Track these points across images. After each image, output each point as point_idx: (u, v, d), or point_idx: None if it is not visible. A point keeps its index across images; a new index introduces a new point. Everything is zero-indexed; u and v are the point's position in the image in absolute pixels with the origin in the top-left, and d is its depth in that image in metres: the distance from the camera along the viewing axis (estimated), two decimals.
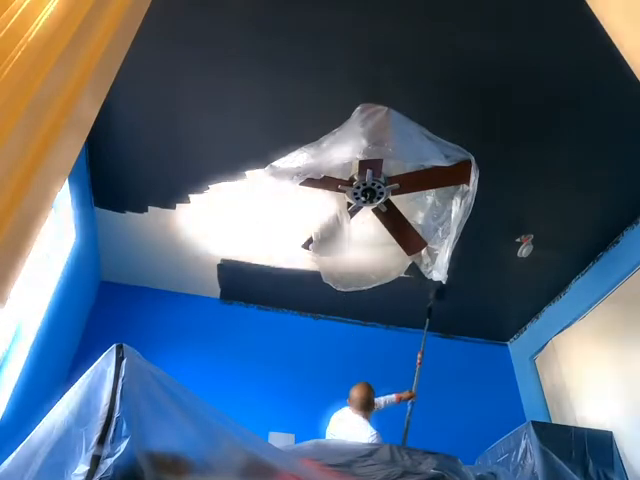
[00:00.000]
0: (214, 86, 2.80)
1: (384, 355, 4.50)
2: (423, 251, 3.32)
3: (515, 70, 2.67)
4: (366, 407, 3.10)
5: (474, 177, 2.69)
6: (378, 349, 4.59)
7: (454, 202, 2.99)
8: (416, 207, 3.25)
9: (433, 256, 3.25)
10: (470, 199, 2.87)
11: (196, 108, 2.93)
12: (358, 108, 2.68)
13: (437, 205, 3.11)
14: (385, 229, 3.25)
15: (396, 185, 2.94)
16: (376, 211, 3.11)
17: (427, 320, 3.92)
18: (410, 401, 3.48)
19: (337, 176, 2.94)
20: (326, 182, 2.88)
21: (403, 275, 3.67)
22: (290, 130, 2.94)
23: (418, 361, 3.72)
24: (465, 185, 2.86)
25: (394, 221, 3.18)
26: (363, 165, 2.83)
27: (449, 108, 2.86)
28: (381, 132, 2.64)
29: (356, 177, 2.92)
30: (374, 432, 2.88)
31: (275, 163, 2.81)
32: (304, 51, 2.62)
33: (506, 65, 2.65)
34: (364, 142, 2.63)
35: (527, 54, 2.58)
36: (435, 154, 2.63)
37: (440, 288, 3.71)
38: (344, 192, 2.98)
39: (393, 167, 2.96)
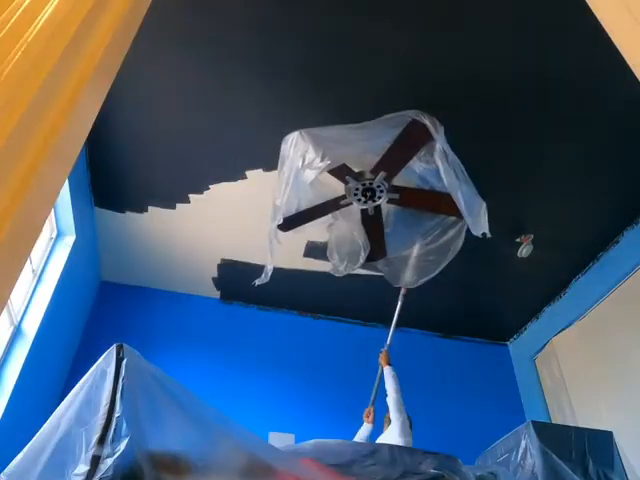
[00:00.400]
0: (214, 86, 2.80)
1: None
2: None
3: (515, 70, 2.67)
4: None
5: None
6: (378, 349, 4.58)
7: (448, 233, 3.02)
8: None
9: (394, 268, 3.28)
10: (460, 243, 2.95)
11: (196, 108, 2.93)
12: (410, 112, 2.59)
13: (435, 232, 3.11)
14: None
15: (397, 195, 2.92)
16: (364, 212, 3.09)
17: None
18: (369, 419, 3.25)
19: (350, 165, 2.87)
20: (339, 167, 2.80)
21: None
22: (291, 130, 2.94)
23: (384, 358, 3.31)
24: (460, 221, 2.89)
25: (372, 224, 3.14)
26: (380, 165, 2.79)
27: (448, 108, 2.86)
28: (422, 147, 2.64)
29: (365, 173, 2.89)
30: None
31: (309, 130, 2.72)
32: (304, 51, 2.62)
33: (506, 65, 2.65)
34: (397, 144, 2.61)
35: (527, 54, 2.58)
36: (455, 190, 2.62)
37: None
38: (347, 183, 2.94)
39: (400, 177, 2.93)
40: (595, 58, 2.53)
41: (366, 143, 2.67)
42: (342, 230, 3.26)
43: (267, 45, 2.59)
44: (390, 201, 2.99)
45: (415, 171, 2.84)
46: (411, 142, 2.67)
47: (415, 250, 3.15)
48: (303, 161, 2.64)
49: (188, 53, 2.64)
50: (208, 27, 2.52)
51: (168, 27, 2.52)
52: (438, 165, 2.62)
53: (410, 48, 2.58)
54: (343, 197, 3.01)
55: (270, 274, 2.99)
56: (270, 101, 2.87)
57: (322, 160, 2.60)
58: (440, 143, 2.59)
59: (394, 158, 2.75)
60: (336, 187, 3.01)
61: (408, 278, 3.24)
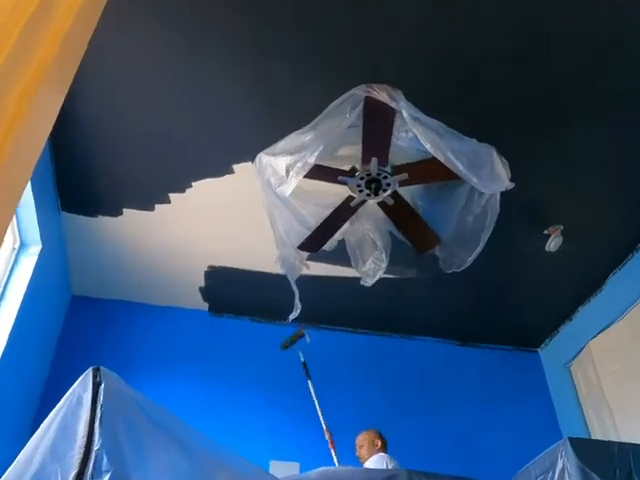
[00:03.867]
0: (195, 73, 2.79)
1: (397, 368, 4.50)
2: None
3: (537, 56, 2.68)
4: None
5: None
6: (389, 360, 4.59)
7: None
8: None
9: (449, 250, 3.28)
10: (497, 204, 2.97)
11: (175, 97, 2.93)
12: (357, 90, 2.65)
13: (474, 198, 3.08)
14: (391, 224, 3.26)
15: (404, 175, 2.92)
16: (382, 204, 3.10)
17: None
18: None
19: (335, 165, 2.93)
20: (322, 172, 2.86)
21: (397, 277, 3.71)
22: (280, 120, 2.94)
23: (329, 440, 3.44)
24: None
25: (403, 215, 3.16)
26: (367, 152, 2.81)
27: (470, 96, 2.88)
28: (388, 117, 2.64)
29: (358, 167, 2.91)
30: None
31: (265, 152, 2.82)
32: (295, 38, 2.64)
33: (534, 51, 2.66)
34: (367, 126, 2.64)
35: (552, 39, 2.59)
36: (443, 152, 2.63)
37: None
38: (345, 184, 2.97)
39: (400, 155, 2.95)
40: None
41: (328, 138, 2.73)
42: (358, 235, 3.32)
43: (254, 32, 2.60)
44: (402, 183, 2.98)
45: (404, 144, 2.86)
46: (378, 119, 2.71)
47: (466, 223, 3.14)
48: (273, 183, 2.77)
49: (161, 26, 2.62)
50: (189, 9, 2.52)
51: (139, 11, 2.52)
52: (415, 132, 2.65)
53: (415, 33, 2.60)
54: (352, 198, 3.03)
55: (300, 307, 3.18)
56: (258, 90, 2.87)
57: (287, 174, 2.68)
58: (405, 110, 2.61)
59: (374, 141, 2.79)
60: (340, 193, 3.08)
61: (462, 258, 3.24)
